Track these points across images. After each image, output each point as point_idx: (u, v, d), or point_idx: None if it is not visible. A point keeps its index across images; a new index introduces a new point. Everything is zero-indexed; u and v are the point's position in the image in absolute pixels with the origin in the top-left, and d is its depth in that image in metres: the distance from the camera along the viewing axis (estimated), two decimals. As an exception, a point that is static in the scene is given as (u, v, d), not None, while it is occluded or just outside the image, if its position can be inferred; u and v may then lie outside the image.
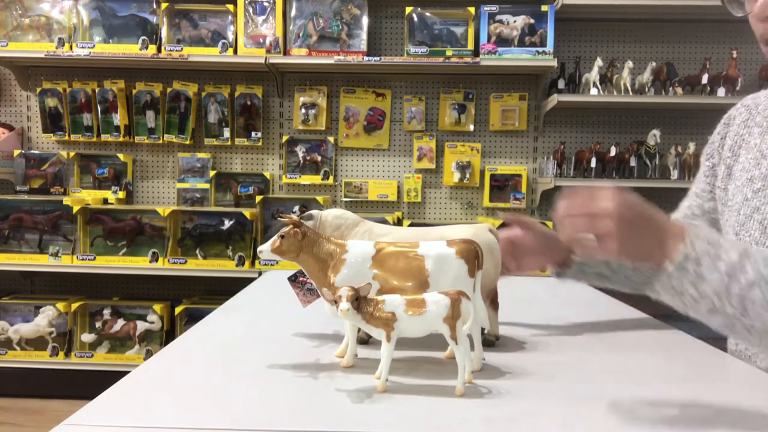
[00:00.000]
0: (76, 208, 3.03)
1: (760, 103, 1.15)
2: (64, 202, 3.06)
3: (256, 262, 3.02)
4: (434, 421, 0.72)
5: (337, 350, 0.98)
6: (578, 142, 3.32)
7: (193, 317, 3.08)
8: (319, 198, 3.14)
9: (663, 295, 0.74)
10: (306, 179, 3.32)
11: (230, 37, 3.19)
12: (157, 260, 3.01)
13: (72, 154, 3.31)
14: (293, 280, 1.14)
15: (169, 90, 3.27)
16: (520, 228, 1.15)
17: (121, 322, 3.10)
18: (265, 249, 0.92)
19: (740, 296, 0.69)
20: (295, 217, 0.93)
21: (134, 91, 3.28)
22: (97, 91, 3.27)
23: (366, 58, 3.04)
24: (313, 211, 1.08)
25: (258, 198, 3.15)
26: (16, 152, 3.28)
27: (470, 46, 3.06)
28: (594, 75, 3.01)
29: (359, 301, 0.80)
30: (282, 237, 0.91)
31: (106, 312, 3.12)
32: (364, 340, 1.05)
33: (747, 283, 0.69)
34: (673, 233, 0.75)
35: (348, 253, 0.91)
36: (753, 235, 1.04)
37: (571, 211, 0.79)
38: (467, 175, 3.27)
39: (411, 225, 2.94)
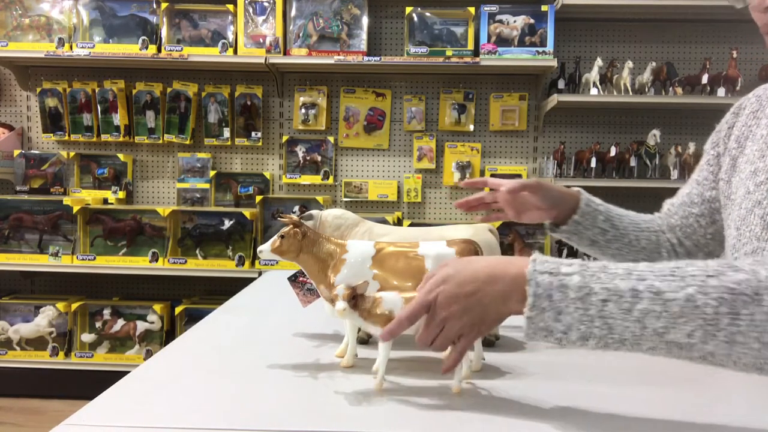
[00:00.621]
0: (76, 208, 3.03)
1: None
2: (64, 202, 3.06)
3: (256, 262, 3.02)
4: (434, 421, 0.72)
5: (337, 350, 0.98)
6: (578, 142, 3.32)
7: (193, 317, 3.08)
8: (319, 198, 3.14)
9: (537, 337, 0.73)
10: (306, 179, 3.32)
11: (230, 37, 3.19)
12: (157, 260, 3.01)
13: (72, 154, 3.31)
14: (293, 280, 1.14)
15: (169, 90, 3.27)
16: (526, 191, 1.14)
17: (121, 322, 3.10)
18: (265, 249, 0.92)
19: (599, 316, 0.69)
20: (295, 217, 0.93)
21: (134, 91, 3.28)
22: (97, 91, 3.27)
23: (366, 58, 3.04)
24: (313, 211, 1.08)
25: (258, 198, 3.15)
26: (16, 152, 3.28)
27: (470, 46, 3.06)
28: (594, 75, 3.01)
29: (356, 300, 0.80)
30: (282, 237, 0.91)
31: (106, 312, 3.12)
32: (364, 340, 1.05)
33: (599, 300, 0.69)
34: (511, 279, 0.74)
35: (348, 253, 0.91)
36: (754, 230, 1.00)
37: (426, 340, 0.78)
38: (467, 175, 3.27)
39: (411, 225, 2.94)
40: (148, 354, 3.04)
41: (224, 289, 3.25)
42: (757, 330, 0.65)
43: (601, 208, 1.22)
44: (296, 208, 3.14)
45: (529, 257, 0.75)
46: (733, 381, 0.91)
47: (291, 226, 0.91)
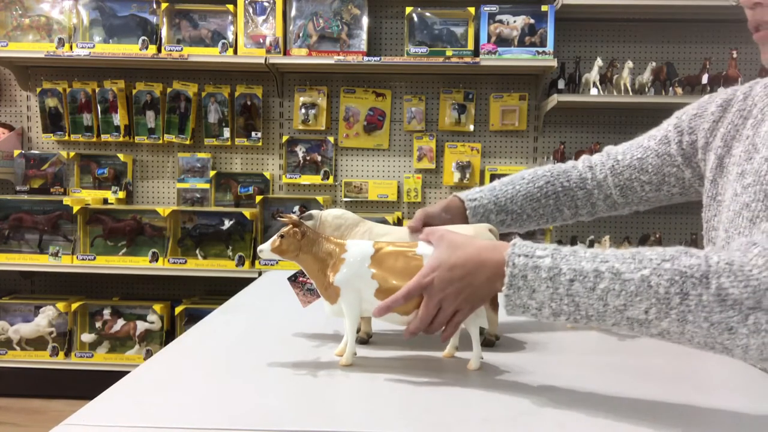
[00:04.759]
0: (76, 208, 3.03)
1: (756, 93, 1.10)
2: (64, 202, 3.06)
3: (256, 262, 3.02)
4: (433, 420, 0.72)
5: (336, 349, 0.98)
6: (578, 142, 3.32)
7: (193, 317, 3.08)
8: (319, 198, 3.14)
9: (515, 313, 0.80)
10: (306, 179, 3.32)
11: (230, 37, 3.19)
12: (157, 260, 3.01)
13: (72, 154, 3.31)
14: (293, 280, 1.14)
15: (169, 90, 3.27)
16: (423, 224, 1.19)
17: (121, 322, 3.10)
18: (265, 249, 0.92)
19: (567, 294, 0.76)
20: (294, 216, 0.93)
21: (134, 91, 3.28)
22: (97, 91, 3.27)
23: (366, 58, 3.04)
24: (313, 211, 1.08)
25: (258, 198, 3.15)
26: (16, 152, 3.28)
27: (470, 46, 3.06)
28: (594, 75, 3.01)
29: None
30: (282, 237, 0.91)
31: (106, 312, 3.12)
32: (364, 341, 1.05)
33: (567, 280, 0.76)
34: (495, 264, 0.81)
35: (347, 252, 0.91)
36: (743, 232, 1.00)
37: (422, 325, 0.87)
38: (467, 175, 3.27)
39: (411, 225, 2.94)
40: (148, 354, 3.04)
41: (224, 289, 3.25)
42: (705, 310, 0.71)
43: (490, 206, 1.30)
44: (296, 208, 3.14)
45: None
46: (734, 381, 0.91)
47: (291, 225, 0.91)
